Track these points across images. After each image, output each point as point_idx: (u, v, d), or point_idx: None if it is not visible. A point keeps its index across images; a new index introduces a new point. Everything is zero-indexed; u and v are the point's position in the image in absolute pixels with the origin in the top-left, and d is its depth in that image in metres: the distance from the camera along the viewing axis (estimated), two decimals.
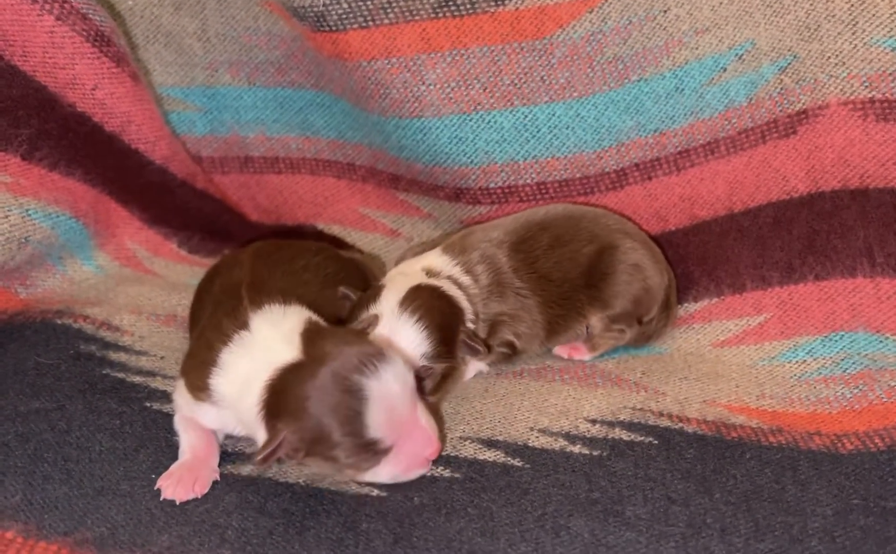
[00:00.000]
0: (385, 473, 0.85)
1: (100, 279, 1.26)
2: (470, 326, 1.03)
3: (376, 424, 0.80)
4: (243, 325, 0.88)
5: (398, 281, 1.01)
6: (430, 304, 0.98)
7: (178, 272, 1.33)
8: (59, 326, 1.09)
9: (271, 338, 0.86)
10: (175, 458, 0.90)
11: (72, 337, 1.07)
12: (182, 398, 0.92)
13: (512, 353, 1.10)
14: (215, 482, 0.88)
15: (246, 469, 0.90)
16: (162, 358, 1.08)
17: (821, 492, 0.86)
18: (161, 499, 0.85)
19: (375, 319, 0.92)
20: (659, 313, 1.16)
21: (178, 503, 0.85)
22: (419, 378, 0.93)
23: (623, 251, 1.14)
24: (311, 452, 0.82)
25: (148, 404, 0.98)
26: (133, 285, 1.25)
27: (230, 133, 1.43)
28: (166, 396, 0.99)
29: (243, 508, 0.84)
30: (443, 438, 0.93)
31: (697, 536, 0.80)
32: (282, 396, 0.82)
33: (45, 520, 0.79)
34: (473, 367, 1.10)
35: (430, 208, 1.37)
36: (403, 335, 0.94)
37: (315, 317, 0.90)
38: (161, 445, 0.92)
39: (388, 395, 0.81)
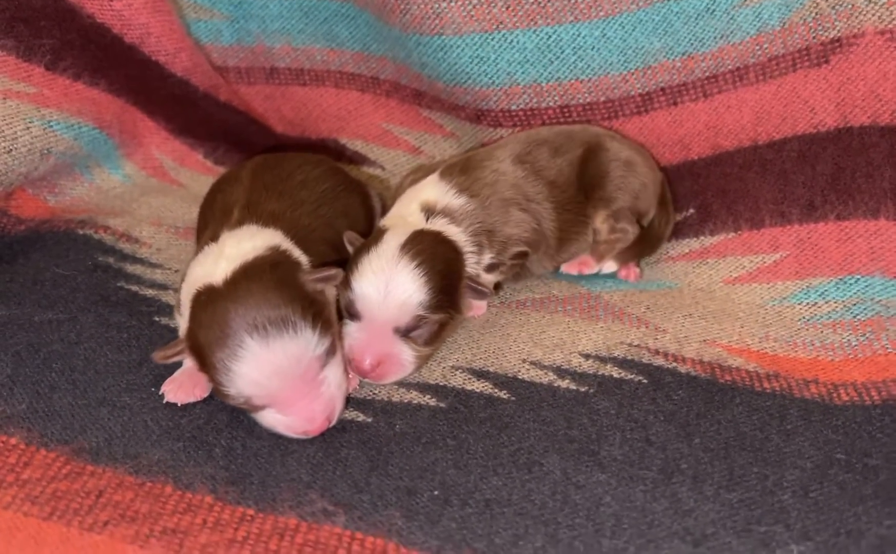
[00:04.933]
0: (265, 421, 0.86)
1: (126, 188, 1.29)
2: (472, 267, 1.02)
3: (245, 382, 0.81)
4: (215, 238, 0.91)
5: (399, 226, 0.99)
6: (432, 250, 0.96)
7: (203, 183, 1.35)
8: (81, 236, 1.13)
9: (224, 255, 0.87)
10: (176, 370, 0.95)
11: (91, 248, 1.11)
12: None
13: (524, 260, 1.10)
14: (211, 396, 0.92)
15: None
16: (176, 272, 1.12)
17: (805, 443, 0.85)
18: (164, 403, 0.90)
19: (336, 276, 0.90)
20: (658, 211, 1.18)
21: (179, 407, 0.90)
22: (412, 327, 0.94)
23: (613, 150, 1.16)
24: (203, 372, 0.85)
25: (157, 319, 1.02)
26: (157, 196, 1.28)
27: (256, 43, 1.42)
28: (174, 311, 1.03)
29: (234, 427, 0.88)
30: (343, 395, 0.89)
31: (668, 482, 0.81)
32: (193, 311, 0.84)
33: (47, 428, 0.85)
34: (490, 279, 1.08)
35: (453, 128, 1.36)
36: (401, 283, 0.93)
37: (287, 245, 0.91)
38: None
39: (267, 361, 0.80)
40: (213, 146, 1.41)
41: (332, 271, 0.89)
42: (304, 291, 0.85)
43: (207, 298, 0.84)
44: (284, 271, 0.86)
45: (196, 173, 1.38)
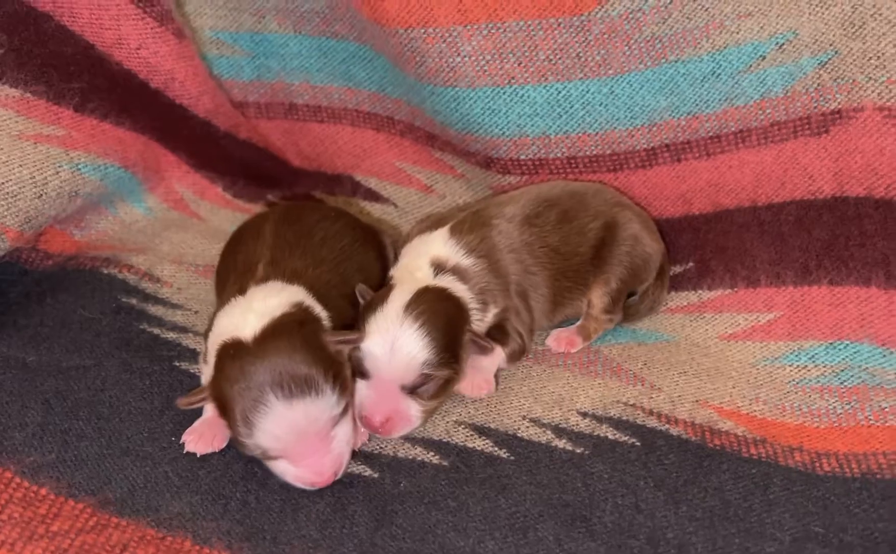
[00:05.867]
0: (275, 469, 0.91)
1: (149, 222, 1.35)
2: (476, 323, 1.07)
3: (264, 436, 0.86)
4: (242, 291, 0.97)
5: (406, 281, 1.04)
6: (435, 308, 1.00)
7: (222, 217, 1.41)
8: (105, 276, 1.19)
9: (252, 309, 0.92)
10: (196, 418, 1.00)
11: (115, 288, 1.17)
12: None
13: (522, 345, 1.13)
14: (228, 446, 0.97)
15: None
16: (196, 313, 1.18)
17: (785, 515, 0.90)
18: (184, 452, 0.96)
19: (359, 338, 0.96)
20: (654, 281, 1.22)
21: (198, 456, 0.96)
22: (418, 384, 0.99)
23: (623, 224, 1.19)
24: (223, 419, 0.90)
25: (177, 364, 1.08)
26: (178, 231, 1.34)
27: (276, 79, 1.47)
28: (194, 356, 1.09)
29: (248, 480, 0.93)
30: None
31: (654, 552, 0.86)
32: (220, 362, 0.89)
33: (75, 478, 0.90)
34: (497, 357, 1.11)
35: (464, 170, 1.41)
36: (405, 343, 0.97)
37: (309, 301, 0.96)
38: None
39: (288, 419, 0.85)
40: (232, 180, 1.46)
41: (354, 335, 0.95)
42: (328, 353, 0.91)
43: (236, 352, 0.89)
44: (310, 331, 0.91)
45: (216, 207, 1.43)
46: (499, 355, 1.10)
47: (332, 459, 0.91)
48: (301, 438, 0.88)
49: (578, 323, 1.20)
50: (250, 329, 0.90)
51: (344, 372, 0.92)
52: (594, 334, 1.19)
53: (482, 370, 1.07)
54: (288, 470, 0.91)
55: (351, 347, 0.96)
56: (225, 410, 0.89)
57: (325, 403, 0.87)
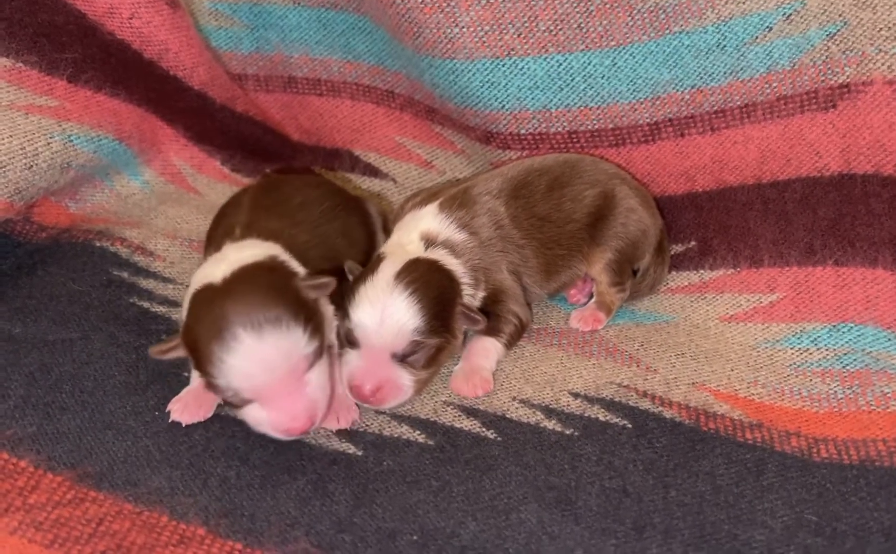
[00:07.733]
0: (250, 418, 0.89)
1: (145, 195, 1.34)
2: (468, 298, 1.05)
3: (235, 374, 0.84)
4: (218, 249, 0.96)
5: (397, 252, 1.03)
6: (426, 278, 0.99)
7: (219, 191, 1.39)
8: (97, 249, 1.18)
9: (225, 261, 0.91)
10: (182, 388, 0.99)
11: (107, 262, 1.16)
12: None
13: (520, 325, 1.11)
14: (211, 421, 0.96)
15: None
16: (187, 287, 1.16)
17: (778, 502, 0.88)
18: (169, 421, 0.95)
19: (329, 285, 0.92)
20: (654, 258, 1.19)
21: (181, 430, 0.95)
22: (409, 353, 0.97)
23: (620, 197, 1.17)
24: (197, 367, 0.89)
25: (164, 338, 1.06)
26: (174, 206, 1.33)
27: (275, 52, 1.45)
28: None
29: (229, 455, 0.92)
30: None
31: (639, 537, 0.84)
32: (191, 308, 0.89)
33: (55, 451, 0.90)
34: (494, 353, 1.08)
35: (464, 145, 1.38)
36: (396, 311, 0.96)
37: (285, 257, 0.94)
38: (171, 381, 1.00)
39: (258, 354, 0.84)
40: (230, 154, 1.44)
41: (326, 280, 0.93)
42: (298, 296, 0.89)
43: (205, 296, 0.88)
44: (280, 275, 0.91)
45: (213, 181, 1.42)
46: (496, 352, 1.08)
47: (305, 403, 0.88)
48: (273, 376, 0.86)
49: (594, 300, 1.18)
50: (220, 275, 0.89)
51: (316, 317, 0.90)
52: (613, 307, 1.17)
53: (480, 370, 1.05)
54: (262, 417, 0.88)
55: (336, 317, 0.95)
56: (196, 353, 0.87)
57: (294, 339, 0.86)
